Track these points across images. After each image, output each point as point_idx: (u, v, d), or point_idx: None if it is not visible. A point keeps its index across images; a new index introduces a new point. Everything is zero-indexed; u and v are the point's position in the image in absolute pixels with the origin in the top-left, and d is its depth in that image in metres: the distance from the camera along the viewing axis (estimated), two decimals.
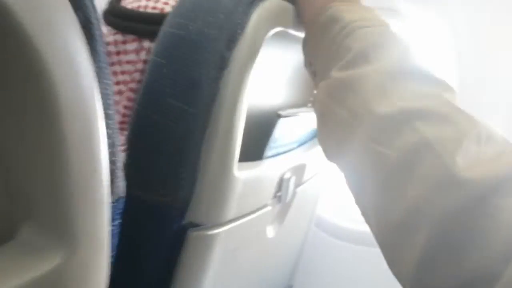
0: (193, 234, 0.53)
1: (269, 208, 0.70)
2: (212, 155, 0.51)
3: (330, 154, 0.43)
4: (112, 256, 0.40)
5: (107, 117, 0.32)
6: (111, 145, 0.34)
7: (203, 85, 0.48)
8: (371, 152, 0.35)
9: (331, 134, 0.41)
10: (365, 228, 1.20)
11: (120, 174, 0.36)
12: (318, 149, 0.92)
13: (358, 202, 0.38)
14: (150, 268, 0.53)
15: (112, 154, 0.34)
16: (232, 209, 0.56)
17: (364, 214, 0.38)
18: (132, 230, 0.46)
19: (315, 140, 0.91)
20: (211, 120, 0.49)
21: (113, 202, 0.36)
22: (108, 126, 0.32)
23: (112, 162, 0.34)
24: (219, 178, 0.52)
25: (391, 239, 0.33)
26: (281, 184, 0.73)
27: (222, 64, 0.49)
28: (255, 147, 0.66)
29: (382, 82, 0.36)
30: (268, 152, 0.68)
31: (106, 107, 0.32)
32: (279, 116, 0.67)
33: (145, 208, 0.50)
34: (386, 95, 0.35)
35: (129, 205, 0.41)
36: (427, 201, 0.30)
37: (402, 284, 0.32)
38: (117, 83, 0.66)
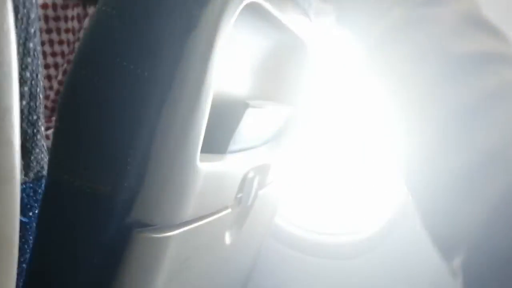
0: (139, 235, 0.44)
1: (229, 210, 0.61)
2: (170, 137, 0.41)
3: (383, 95, 0.41)
4: (25, 260, 0.29)
5: (27, 36, 0.21)
6: (30, 84, 0.22)
7: (164, 46, 0.38)
8: (439, 92, 0.32)
9: (389, 71, 0.39)
10: (319, 239, 1.15)
11: (42, 141, 0.25)
12: (283, 150, 0.85)
13: (406, 153, 0.35)
14: (79, 278, 0.41)
15: (30, 100, 0.23)
16: (189, 208, 0.46)
17: (409, 171, 0.35)
18: (57, 225, 0.35)
19: (280, 140, 0.84)
20: (172, 91, 0.39)
21: (27, 182, 0.25)
22: (27, 49, 0.22)
23: (29, 118, 0.23)
24: (178, 168, 0.42)
25: (450, 191, 0.31)
26: (244, 184, 0.64)
27: (190, 22, 0.39)
28: (218, 138, 0.57)
29: (458, 24, 0.35)
30: (233, 145, 0.59)
31: (26, 23, 0.21)
32: (247, 106, 0.59)
33: (75, 198, 0.38)
34: (462, 36, 0.34)
35: (54, 192, 0.30)
36: (505, 149, 0.29)
37: (455, 252, 0.30)
38: (53, 54, 0.58)
